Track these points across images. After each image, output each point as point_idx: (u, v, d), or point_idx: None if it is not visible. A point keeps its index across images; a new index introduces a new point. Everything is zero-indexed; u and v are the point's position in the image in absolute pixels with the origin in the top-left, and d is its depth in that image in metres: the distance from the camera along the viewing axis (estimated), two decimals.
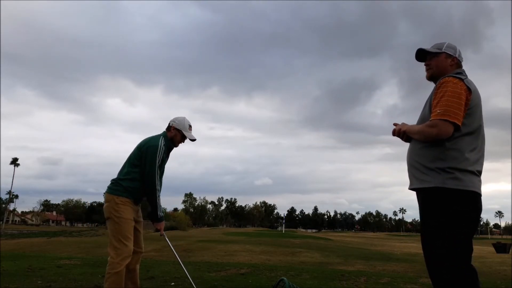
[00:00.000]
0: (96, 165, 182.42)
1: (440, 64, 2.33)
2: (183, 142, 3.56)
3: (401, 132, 2.32)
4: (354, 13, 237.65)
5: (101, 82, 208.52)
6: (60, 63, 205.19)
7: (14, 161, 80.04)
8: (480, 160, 2.18)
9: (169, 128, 3.51)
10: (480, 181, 2.16)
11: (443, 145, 2.09)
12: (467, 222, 2.09)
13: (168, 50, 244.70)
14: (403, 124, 2.35)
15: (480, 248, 34.14)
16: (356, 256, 19.05)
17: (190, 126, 3.54)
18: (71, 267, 6.46)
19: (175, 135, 3.48)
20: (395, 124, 2.40)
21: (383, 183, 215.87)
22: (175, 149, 3.58)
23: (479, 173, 2.15)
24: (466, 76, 2.26)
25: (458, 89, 2.10)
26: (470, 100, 2.12)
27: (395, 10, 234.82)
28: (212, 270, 6.72)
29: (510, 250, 23.93)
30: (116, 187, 3.33)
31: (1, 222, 74.87)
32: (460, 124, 2.06)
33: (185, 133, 3.49)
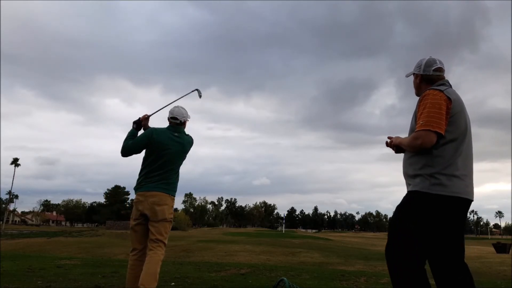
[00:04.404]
0: (94, 165, 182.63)
1: (414, 83, 2.60)
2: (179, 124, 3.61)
3: (392, 145, 2.52)
4: (351, 13, 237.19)
5: (99, 82, 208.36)
6: (58, 63, 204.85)
7: (15, 161, 79.97)
8: (467, 164, 2.32)
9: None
10: (467, 185, 2.27)
11: (430, 152, 2.24)
12: (447, 228, 2.22)
13: (166, 50, 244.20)
14: (396, 137, 2.52)
15: (480, 248, 34.14)
16: (356, 256, 19.06)
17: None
18: (71, 267, 6.46)
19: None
20: (389, 138, 2.57)
21: (382, 183, 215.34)
22: None
23: (465, 177, 2.28)
24: (449, 86, 2.42)
25: (438, 100, 2.25)
26: (451, 109, 2.26)
27: (392, 10, 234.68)
28: (212, 270, 6.73)
29: (510, 250, 23.93)
30: (170, 187, 3.50)
31: (1, 222, 74.85)
32: (442, 132, 2.21)
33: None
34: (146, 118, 3.71)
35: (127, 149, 3.52)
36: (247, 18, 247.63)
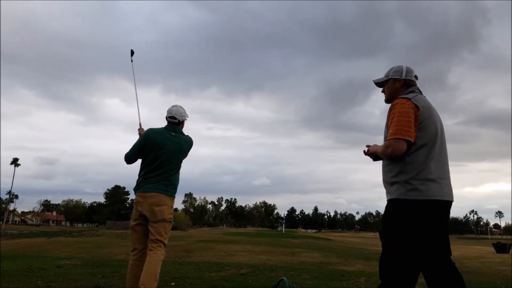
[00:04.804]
0: (94, 165, 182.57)
1: (390, 89, 2.66)
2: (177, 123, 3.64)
3: (369, 153, 2.61)
4: (350, 13, 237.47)
5: (99, 82, 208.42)
6: (58, 63, 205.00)
7: (15, 161, 79.97)
8: (441, 167, 2.39)
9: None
10: (442, 187, 2.34)
11: (403, 159, 2.34)
12: (427, 231, 2.29)
13: (166, 50, 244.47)
14: (374, 145, 2.61)
15: (480, 248, 34.16)
16: (356, 256, 19.06)
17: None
18: (71, 267, 6.46)
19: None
20: (367, 146, 2.66)
21: (381, 183, 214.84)
22: None
23: (441, 179, 2.35)
24: (419, 93, 2.53)
25: (406, 108, 2.35)
26: (420, 116, 2.35)
27: (391, 10, 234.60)
28: (212, 270, 6.73)
29: (510, 250, 23.93)
30: (169, 188, 3.50)
31: (1, 222, 74.86)
32: (412, 139, 2.30)
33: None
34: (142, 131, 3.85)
35: (128, 155, 3.56)
36: (247, 18, 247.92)
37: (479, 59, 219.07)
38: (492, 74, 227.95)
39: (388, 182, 2.44)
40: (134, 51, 4.26)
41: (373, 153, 2.58)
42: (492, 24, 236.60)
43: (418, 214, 2.27)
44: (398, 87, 2.62)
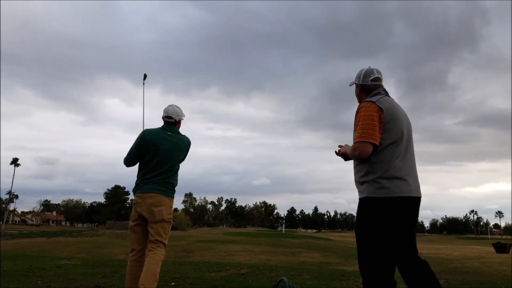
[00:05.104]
0: (94, 165, 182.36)
1: (355, 93, 2.80)
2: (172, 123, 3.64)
3: (340, 154, 2.72)
4: (350, 13, 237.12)
5: (99, 82, 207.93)
6: (58, 63, 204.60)
7: (15, 161, 79.97)
8: (406, 164, 2.49)
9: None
10: (409, 184, 2.44)
11: (370, 160, 2.45)
12: (397, 226, 2.40)
13: (166, 50, 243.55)
14: (345, 146, 2.72)
15: (480, 248, 34.16)
16: (356, 256, 19.01)
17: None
18: (71, 267, 6.46)
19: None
20: (339, 146, 2.76)
21: None
22: None
23: (407, 176, 2.46)
24: (384, 94, 2.62)
25: (370, 112, 2.45)
26: (384, 118, 2.45)
27: (391, 10, 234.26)
28: (212, 270, 6.73)
29: (510, 250, 23.93)
30: (168, 188, 3.49)
31: (1, 222, 74.86)
32: (376, 142, 2.41)
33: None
34: None
35: (126, 158, 3.56)
36: (247, 18, 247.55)
37: (479, 59, 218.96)
38: (492, 74, 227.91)
39: (358, 182, 2.56)
40: (147, 74, 4.21)
41: (344, 154, 2.68)
42: (492, 24, 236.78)
43: (387, 211, 2.38)
44: (358, 91, 2.75)
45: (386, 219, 2.38)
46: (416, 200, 2.47)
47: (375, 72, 2.68)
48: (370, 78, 2.66)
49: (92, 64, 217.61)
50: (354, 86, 2.81)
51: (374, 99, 2.52)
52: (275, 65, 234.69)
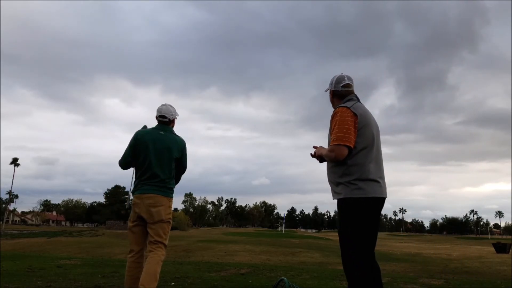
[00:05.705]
0: (94, 165, 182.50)
1: (329, 98, 2.95)
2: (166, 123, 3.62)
3: (316, 155, 2.83)
4: (350, 13, 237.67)
5: (99, 82, 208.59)
6: (58, 63, 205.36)
7: (14, 161, 79.94)
8: (378, 168, 2.69)
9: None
10: (381, 186, 2.65)
11: (346, 163, 2.61)
12: (371, 223, 2.60)
13: (166, 50, 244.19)
14: (320, 147, 2.84)
15: (480, 248, 34.14)
16: None
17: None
18: (71, 267, 6.46)
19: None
20: (314, 147, 2.89)
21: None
22: None
23: (380, 179, 2.66)
24: (356, 100, 2.78)
25: (345, 117, 2.61)
26: (358, 123, 2.62)
27: (391, 10, 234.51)
28: (212, 270, 6.73)
29: (510, 250, 23.92)
30: (166, 188, 3.48)
31: (1, 222, 74.84)
32: (352, 145, 2.57)
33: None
34: None
35: (121, 160, 3.55)
36: (246, 18, 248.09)
37: (478, 59, 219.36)
38: (491, 74, 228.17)
39: (334, 183, 2.70)
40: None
41: (319, 156, 2.80)
42: (491, 24, 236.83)
43: (363, 211, 2.56)
44: (331, 97, 2.91)
45: (363, 219, 2.56)
46: (383, 201, 2.67)
47: (345, 78, 2.82)
48: (341, 85, 2.82)
49: (92, 64, 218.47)
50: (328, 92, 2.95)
51: (348, 104, 2.68)
52: (274, 65, 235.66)
